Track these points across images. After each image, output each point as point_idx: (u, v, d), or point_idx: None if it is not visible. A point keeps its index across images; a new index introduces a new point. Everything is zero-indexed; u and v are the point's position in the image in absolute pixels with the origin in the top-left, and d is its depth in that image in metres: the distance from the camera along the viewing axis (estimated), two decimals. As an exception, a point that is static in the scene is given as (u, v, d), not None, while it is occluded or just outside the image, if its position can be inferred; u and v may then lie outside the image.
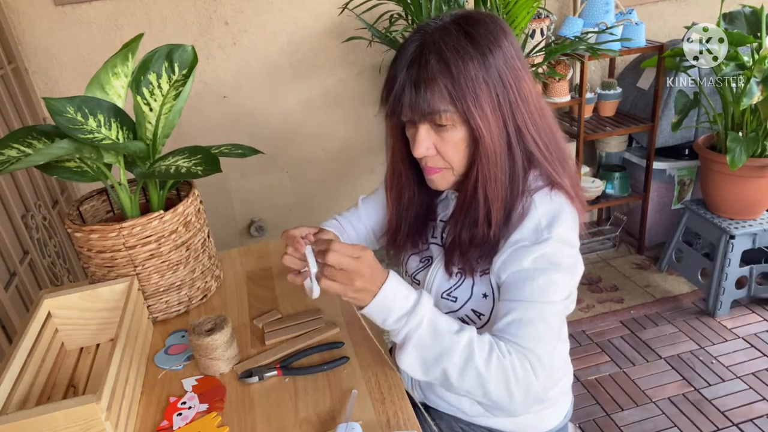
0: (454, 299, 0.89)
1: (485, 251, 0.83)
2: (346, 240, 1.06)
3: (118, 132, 1.01)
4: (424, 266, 0.95)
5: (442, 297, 0.90)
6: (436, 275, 0.91)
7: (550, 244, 0.78)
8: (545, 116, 0.83)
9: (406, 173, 0.92)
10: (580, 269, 0.86)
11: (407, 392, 1.02)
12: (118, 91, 1.04)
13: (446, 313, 0.90)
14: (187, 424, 0.85)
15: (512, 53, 0.78)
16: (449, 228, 0.89)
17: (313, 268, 0.76)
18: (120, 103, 1.04)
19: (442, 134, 0.79)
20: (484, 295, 0.86)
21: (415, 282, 0.96)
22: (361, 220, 1.08)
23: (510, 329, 0.76)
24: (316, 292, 0.78)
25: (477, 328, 0.88)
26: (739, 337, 2.04)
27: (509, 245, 0.80)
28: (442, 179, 0.85)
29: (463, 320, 0.90)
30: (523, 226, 0.80)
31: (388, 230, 1.00)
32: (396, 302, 0.74)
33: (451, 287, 0.89)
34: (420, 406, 0.94)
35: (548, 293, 0.77)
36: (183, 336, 1.07)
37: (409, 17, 1.89)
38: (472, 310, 0.88)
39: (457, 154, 0.81)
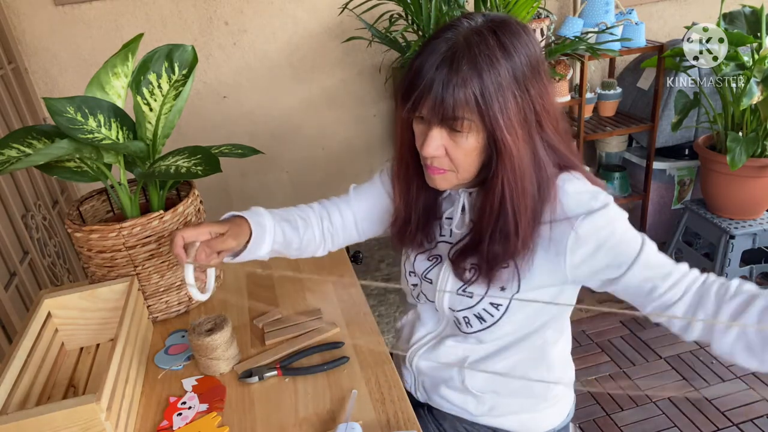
0: (470, 295, 0.89)
1: (514, 256, 0.83)
2: (319, 228, 1.03)
3: (118, 132, 1.01)
4: (434, 264, 0.94)
5: (458, 293, 0.90)
6: (450, 273, 0.91)
7: (612, 207, 0.80)
8: (561, 121, 0.84)
9: (413, 165, 0.90)
10: None
11: (410, 393, 1.02)
12: (118, 91, 1.04)
13: (461, 310, 0.90)
14: (187, 424, 0.85)
15: (539, 65, 0.78)
16: (467, 238, 0.88)
17: (191, 284, 0.86)
18: (120, 103, 1.04)
19: (456, 138, 0.78)
20: (502, 288, 0.86)
21: (427, 281, 0.95)
22: (350, 207, 1.06)
23: (664, 282, 0.79)
24: (197, 297, 0.88)
25: (496, 321, 0.88)
26: (739, 337, 2.03)
27: (567, 225, 0.80)
28: (444, 180, 0.84)
29: (479, 316, 0.89)
30: (565, 207, 0.80)
31: (395, 223, 0.97)
32: None
33: (465, 284, 0.89)
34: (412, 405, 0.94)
35: (635, 240, 0.80)
36: (183, 336, 1.07)
37: (409, 17, 1.89)
38: (490, 303, 0.87)
39: (467, 159, 0.80)
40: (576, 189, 0.82)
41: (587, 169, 0.89)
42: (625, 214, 0.82)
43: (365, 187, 1.07)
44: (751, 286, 0.75)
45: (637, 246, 0.80)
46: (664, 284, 0.79)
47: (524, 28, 0.78)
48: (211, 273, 0.93)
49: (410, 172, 0.91)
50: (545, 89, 0.79)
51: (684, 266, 0.80)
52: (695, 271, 0.80)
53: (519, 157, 0.77)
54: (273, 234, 0.95)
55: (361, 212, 1.05)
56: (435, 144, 0.79)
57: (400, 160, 0.92)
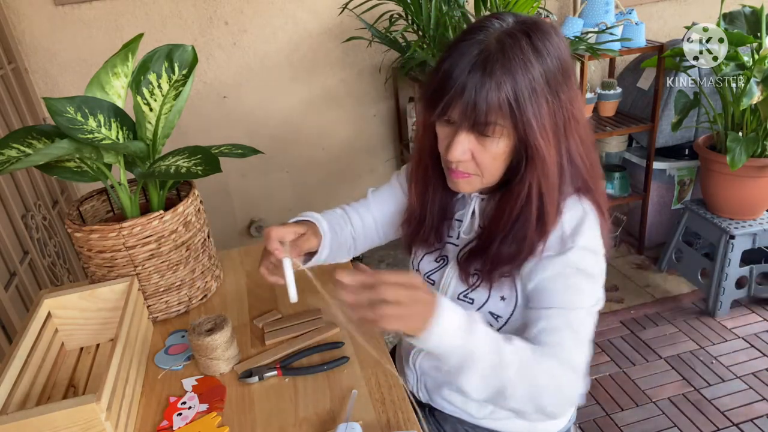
0: (470, 301, 0.88)
1: (518, 263, 0.82)
2: (348, 231, 1.03)
3: (118, 132, 1.01)
4: (440, 266, 0.94)
5: (458, 298, 0.89)
6: (453, 276, 0.90)
7: (573, 252, 0.78)
8: (590, 135, 0.82)
9: (432, 167, 0.89)
10: (603, 275, 0.85)
11: (413, 394, 1.02)
12: (118, 91, 1.04)
13: None
14: (187, 424, 0.85)
15: (569, 70, 0.77)
16: (476, 241, 0.87)
17: (291, 282, 0.79)
18: (120, 103, 1.04)
19: (483, 143, 0.76)
20: (502, 298, 0.85)
21: (430, 282, 0.95)
22: (369, 211, 1.05)
23: (539, 338, 0.76)
24: (293, 298, 0.80)
25: (496, 330, 0.88)
26: (739, 337, 2.04)
27: (537, 254, 0.80)
28: (468, 184, 0.82)
29: None
30: (551, 236, 0.80)
31: (409, 223, 0.97)
32: (457, 317, 0.68)
33: (467, 289, 0.88)
34: (417, 406, 0.94)
35: (573, 300, 0.77)
36: (183, 336, 1.07)
37: (409, 17, 1.89)
38: (490, 312, 0.87)
39: (494, 164, 0.78)
40: (569, 219, 0.80)
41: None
42: (595, 262, 0.79)
43: (383, 190, 1.06)
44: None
45: (577, 305, 0.77)
46: (544, 334, 0.76)
47: (555, 29, 0.77)
48: (292, 276, 0.84)
49: (429, 173, 0.90)
50: (575, 95, 0.78)
51: (579, 358, 0.76)
52: (563, 360, 0.74)
53: (551, 163, 0.76)
54: (330, 238, 0.95)
55: (380, 216, 1.05)
56: (462, 148, 0.77)
57: (419, 162, 0.91)
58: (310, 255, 0.94)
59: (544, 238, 0.79)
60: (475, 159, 0.78)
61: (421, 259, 0.97)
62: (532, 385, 0.71)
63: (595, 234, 0.81)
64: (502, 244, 0.81)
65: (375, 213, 1.05)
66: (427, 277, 0.96)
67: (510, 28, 0.74)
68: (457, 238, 0.93)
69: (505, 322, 0.86)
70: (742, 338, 2.03)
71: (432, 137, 0.84)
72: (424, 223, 0.94)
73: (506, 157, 0.78)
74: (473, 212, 0.90)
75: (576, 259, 0.78)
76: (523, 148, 0.76)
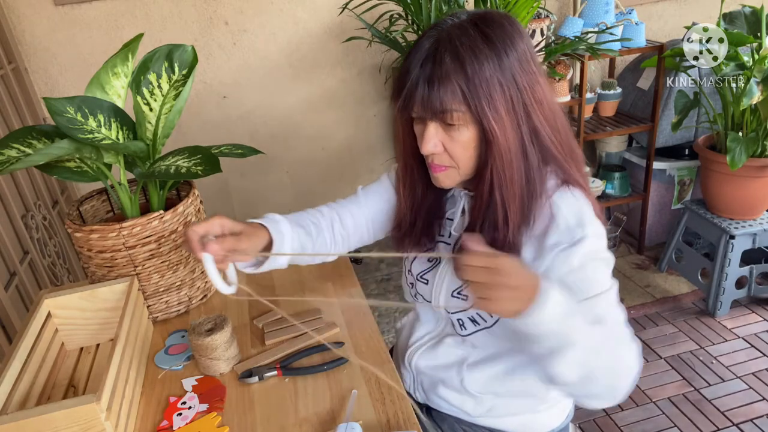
0: (465, 297, 0.89)
1: (502, 248, 0.82)
2: (338, 230, 1.02)
3: (118, 132, 1.01)
4: (433, 265, 0.95)
5: (452, 295, 0.90)
6: (447, 274, 0.91)
7: (589, 241, 0.79)
8: (558, 117, 0.83)
9: (417, 168, 0.91)
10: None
11: (409, 394, 1.02)
12: (118, 91, 1.04)
13: (455, 312, 0.90)
14: (187, 424, 0.85)
15: (527, 56, 0.78)
16: (464, 233, 0.88)
17: (213, 277, 0.78)
18: (120, 103, 1.04)
19: (451, 133, 0.79)
20: None
21: (423, 281, 0.95)
22: (361, 209, 1.04)
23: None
24: (224, 290, 0.80)
25: (488, 327, 0.88)
26: (739, 337, 2.04)
27: (548, 250, 0.80)
28: (446, 178, 0.84)
29: (473, 319, 0.89)
30: (555, 228, 0.80)
31: (399, 225, 0.98)
32: (561, 300, 0.68)
33: (461, 285, 0.89)
34: (416, 407, 0.94)
35: (604, 283, 0.79)
36: (183, 336, 1.07)
37: (409, 17, 1.89)
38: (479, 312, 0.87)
39: (465, 153, 0.80)
40: (568, 210, 0.81)
41: (586, 169, 0.88)
42: (602, 245, 0.80)
43: (374, 188, 1.06)
44: None
45: (608, 286, 0.78)
46: None
47: (508, 19, 0.79)
48: (232, 267, 0.85)
49: (415, 175, 0.92)
50: (535, 80, 0.79)
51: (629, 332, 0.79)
52: None
53: (507, 147, 0.78)
54: (291, 241, 0.92)
55: (371, 213, 1.05)
56: (432, 141, 0.80)
57: (405, 166, 0.92)
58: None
59: (509, 224, 0.80)
60: (447, 150, 0.81)
61: (414, 259, 0.98)
62: (616, 369, 0.74)
63: (596, 220, 0.82)
64: (480, 232, 0.82)
65: (365, 210, 1.05)
66: (421, 276, 0.96)
67: (461, 22, 0.78)
68: (449, 236, 0.93)
69: (495, 322, 0.87)
70: (742, 338, 2.03)
71: (411, 137, 0.86)
72: (415, 226, 0.95)
73: (475, 145, 0.80)
74: (463, 210, 0.91)
75: (594, 248, 0.79)
76: (483, 134, 0.78)
